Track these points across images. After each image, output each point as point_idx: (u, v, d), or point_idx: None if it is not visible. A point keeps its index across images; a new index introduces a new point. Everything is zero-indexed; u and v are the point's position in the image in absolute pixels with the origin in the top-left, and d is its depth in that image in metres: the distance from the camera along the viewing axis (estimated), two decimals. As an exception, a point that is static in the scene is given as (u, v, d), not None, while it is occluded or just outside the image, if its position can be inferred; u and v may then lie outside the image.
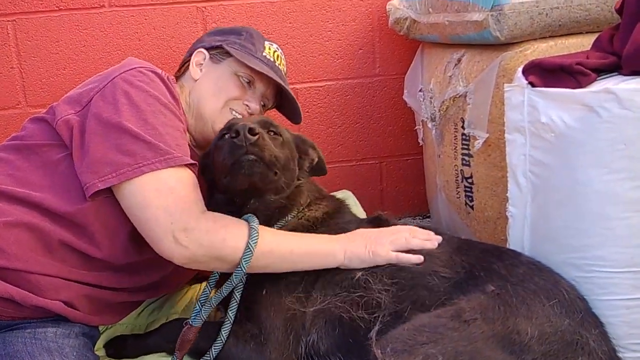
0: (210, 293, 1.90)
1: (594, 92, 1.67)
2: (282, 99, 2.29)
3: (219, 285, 1.92)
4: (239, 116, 2.14)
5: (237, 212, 1.88)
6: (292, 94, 2.23)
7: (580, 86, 1.73)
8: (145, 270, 1.91)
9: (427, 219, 3.10)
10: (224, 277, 1.89)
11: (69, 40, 2.90)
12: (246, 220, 1.85)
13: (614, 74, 1.75)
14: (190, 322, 1.84)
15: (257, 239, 1.79)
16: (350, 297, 1.80)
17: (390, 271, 1.83)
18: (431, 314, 1.64)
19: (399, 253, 1.84)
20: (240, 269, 1.78)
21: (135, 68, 1.86)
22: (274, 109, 2.38)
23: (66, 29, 2.89)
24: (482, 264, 1.77)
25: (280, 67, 2.24)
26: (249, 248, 1.77)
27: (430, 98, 2.65)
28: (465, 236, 2.46)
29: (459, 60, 2.47)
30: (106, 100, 1.79)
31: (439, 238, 1.91)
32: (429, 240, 1.90)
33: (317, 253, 1.85)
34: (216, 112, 2.11)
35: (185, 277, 2.26)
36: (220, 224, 1.77)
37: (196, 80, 2.17)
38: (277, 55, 2.24)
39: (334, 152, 3.22)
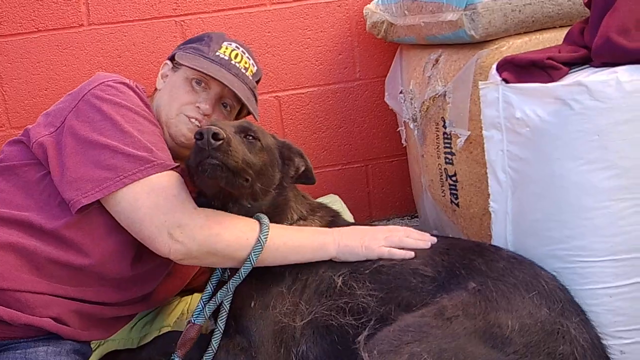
0: (212, 291, 1.91)
1: (565, 85, 1.70)
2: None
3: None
4: (194, 121, 2.12)
5: None
6: (249, 90, 2.20)
7: (553, 80, 1.75)
8: (134, 283, 1.93)
9: (415, 219, 3.12)
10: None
11: (49, 60, 2.91)
12: (257, 218, 1.89)
13: (585, 66, 1.78)
14: (193, 320, 1.86)
15: (267, 234, 1.83)
16: (337, 304, 1.82)
17: (371, 274, 1.85)
18: (415, 313, 1.66)
19: (391, 248, 1.89)
20: (249, 263, 1.82)
21: (103, 82, 1.88)
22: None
23: (46, 50, 2.90)
24: (463, 262, 1.80)
25: (239, 64, 2.19)
26: (260, 242, 1.81)
27: (411, 99, 2.67)
28: (452, 234, 2.49)
29: (437, 61, 2.49)
30: (80, 119, 1.81)
31: (434, 239, 1.94)
32: (423, 240, 1.93)
33: (309, 246, 1.89)
34: (170, 119, 2.10)
35: (175, 289, 2.27)
36: (213, 219, 1.80)
37: (159, 90, 2.19)
38: (236, 54, 2.20)
39: (320, 157, 3.23)
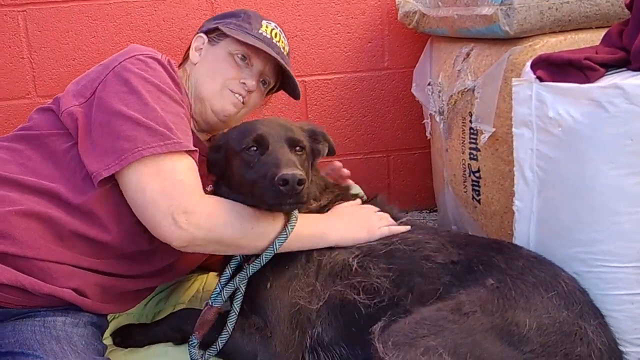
0: (231, 275, 1.91)
1: (601, 87, 1.67)
2: (283, 77, 2.28)
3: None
4: (239, 97, 2.14)
5: None
6: (289, 69, 2.22)
7: (589, 81, 1.73)
8: (154, 256, 1.92)
9: (434, 213, 3.11)
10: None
11: (78, 31, 2.92)
12: None
13: (622, 69, 1.75)
14: (211, 303, 1.87)
15: (295, 223, 1.85)
16: (351, 283, 1.83)
17: (386, 257, 1.87)
18: (432, 307, 1.66)
19: (391, 226, 1.96)
20: (271, 250, 1.83)
21: (134, 56, 1.87)
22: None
23: (76, 20, 2.91)
24: (481, 258, 1.79)
25: (279, 44, 2.22)
26: (285, 232, 1.83)
27: (439, 92, 2.65)
28: (472, 230, 2.48)
29: (468, 54, 2.47)
30: (107, 90, 1.81)
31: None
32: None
33: (309, 234, 1.89)
34: (214, 93, 2.11)
35: (194, 263, 2.28)
36: (220, 208, 1.79)
37: (195, 64, 2.18)
38: (275, 33, 2.23)
39: (342, 145, 3.22)
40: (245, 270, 1.87)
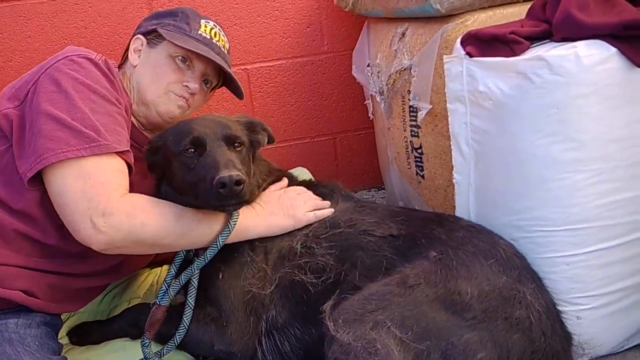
0: (175, 273, 1.94)
1: (526, 59, 1.74)
2: (225, 75, 2.28)
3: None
4: (182, 100, 2.14)
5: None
6: (229, 69, 2.23)
7: (515, 54, 1.79)
8: (101, 256, 1.90)
9: (382, 191, 3.16)
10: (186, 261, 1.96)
11: (13, 31, 2.86)
12: None
13: (546, 41, 1.82)
14: (158, 302, 1.89)
15: (237, 219, 1.87)
16: (298, 264, 1.89)
17: (326, 235, 1.93)
18: (379, 283, 1.72)
19: (316, 212, 2.00)
20: (215, 246, 1.85)
21: (67, 57, 1.85)
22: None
23: (10, 21, 2.85)
24: (423, 232, 1.86)
25: (219, 43, 2.22)
26: (228, 227, 1.85)
27: (378, 72, 2.69)
28: (417, 205, 2.54)
29: (403, 34, 2.51)
30: (38, 91, 1.79)
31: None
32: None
33: (239, 227, 1.90)
34: (157, 98, 2.11)
35: (145, 260, 2.28)
36: (139, 208, 1.77)
37: (135, 67, 2.16)
38: (215, 32, 2.22)
39: (288, 130, 3.25)
40: (190, 267, 1.90)
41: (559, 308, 1.73)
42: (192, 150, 1.86)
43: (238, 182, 1.71)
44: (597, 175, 1.73)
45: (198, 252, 1.93)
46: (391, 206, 2.18)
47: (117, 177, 1.77)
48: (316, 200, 2.07)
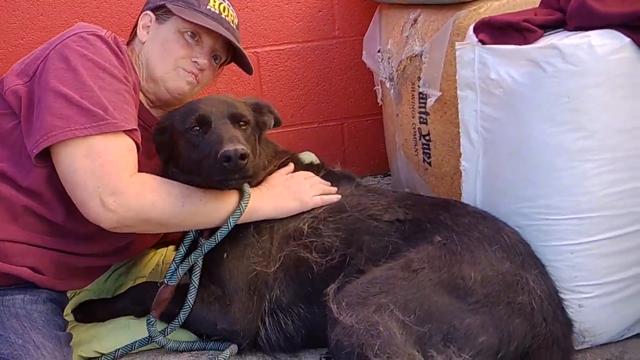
0: (184, 253, 1.95)
1: (539, 47, 1.74)
2: (235, 50, 2.26)
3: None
4: (191, 75, 2.13)
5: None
6: (239, 44, 2.21)
7: (527, 42, 1.79)
8: (108, 236, 1.91)
9: (388, 177, 3.17)
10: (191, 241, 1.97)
11: (25, 9, 2.86)
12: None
13: (559, 29, 1.82)
14: (167, 282, 1.91)
15: (248, 200, 1.90)
16: (303, 243, 1.91)
17: (334, 218, 1.94)
18: (383, 267, 1.74)
19: (323, 196, 2.01)
20: (226, 227, 1.87)
21: (77, 34, 1.85)
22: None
23: (22, -1, 2.85)
24: (429, 217, 1.87)
25: (228, 18, 2.20)
26: (240, 209, 1.87)
27: (388, 58, 2.69)
28: (423, 192, 2.54)
29: (415, 20, 2.50)
30: (47, 68, 1.79)
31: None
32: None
33: (248, 208, 1.91)
34: (166, 73, 2.10)
35: (150, 242, 2.29)
36: (149, 187, 1.78)
37: (144, 43, 2.15)
38: (224, 7, 2.20)
39: (297, 115, 3.25)
40: (200, 248, 1.92)
41: (561, 295, 1.75)
42: (198, 128, 1.87)
43: (243, 156, 1.72)
44: (606, 164, 1.73)
45: (203, 232, 1.94)
46: (398, 191, 2.19)
47: (126, 156, 1.78)
48: (323, 185, 2.08)
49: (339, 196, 2.02)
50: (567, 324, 1.71)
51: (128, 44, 2.19)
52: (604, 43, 1.68)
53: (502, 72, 1.81)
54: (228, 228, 1.88)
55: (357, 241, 1.87)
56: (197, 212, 1.85)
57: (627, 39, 1.69)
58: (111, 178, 1.71)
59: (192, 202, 1.83)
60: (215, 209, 1.88)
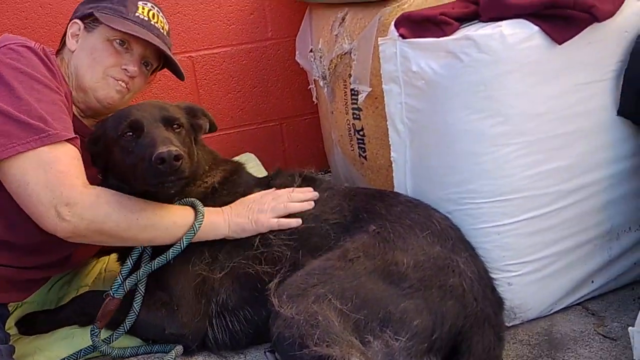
0: (132, 266, 1.94)
1: (455, 39, 1.82)
2: (166, 57, 2.25)
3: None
4: (122, 84, 2.13)
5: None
6: (169, 51, 2.22)
7: (445, 35, 1.86)
8: (48, 249, 1.92)
9: (328, 174, 3.22)
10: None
11: (-49, 23, 2.82)
12: (191, 204, 1.94)
13: (474, 21, 1.89)
14: (112, 294, 1.89)
15: (202, 220, 1.89)
16: (253, 254, 1.92)
17: (288, 231, 1.95)
18: (321, 258, 1.78)
19: (280, 219, 1.97)
20: (179, 246, 1.87)
21: (5, 45, 1.83)
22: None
23: (-53, 12, 2.80)
24: (365, 207, 1.93)
25: (158, 24, 2.20)
26: (193, 229, 1.87)
27: (320, 57, 2.74)
28: (361, 186, 2.60)
29: (343, 19, 2.56)
30: None
31: (316, 194, 2.04)
32: (307, 200, 2.03)
33: (203, 228, 1.91)
34: (96, 82, 2.09)
35: (92, 251, 2.29)
36: (104, 199, 1.79)
37: (73, 52, 2.13)
38: (153, 14, 2.19)
39: (235, 117, 3.27)
40: (150, 264, 1.92)
41: (492, 275, 1.83)
42: (131, 133, 1.88)
43: (177, 157, 1.73)
44: (523, 148, 1.82)
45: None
46: (348, 186, 2.22)
47: (75, 166, 1.78)
48: (290, 205, 2.01)
49: (299, 221, 1.96)
50: (498, 302, 1.78)
51: (57, 53, 2.16)
52: (515, 32, 1.76)
53: (423, 64, 1.88)
54: (180, 248, 1.88)
55: (307, 246, 1.90)
56: (152, 226, 1.85)
57: (536, 28, 1.77)
58: (65, 188, 1.71)
59: (146, 215, 1.84)
60: (172, 223, 1.88)
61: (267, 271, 1.88)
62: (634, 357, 1.60)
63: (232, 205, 2.02)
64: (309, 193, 2.05)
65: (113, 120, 1.95)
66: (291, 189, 2.07)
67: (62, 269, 2.13)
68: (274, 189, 2.09)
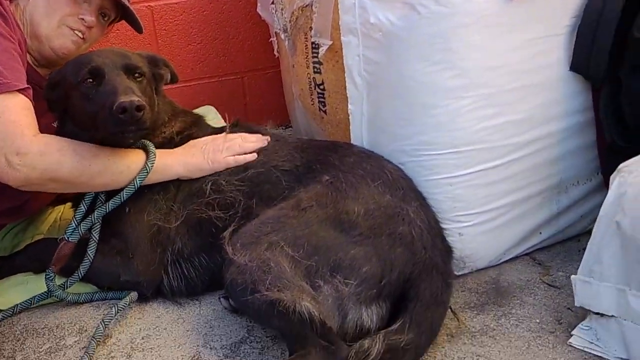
0: (86, 210, 1.94)
1: (413, -10, 1.82)
2: (124, 8, 2.23)
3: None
4: (78, 33, 2.10)
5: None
6: (127, 2, 2.19)
7: (403, -14, 1.86)
8: (1, 197, 1.91)
9: (290, 129, 3.22)
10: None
11: None
12: (143, 144, 1.94)
13: (434, -26, 1.89)
14: (67, 238, 1.90)
15: (154, 160, 1.89)
16: (206, 201, 1.94)
17: (237, 172, 1.98)
18: (276, 207, 1.81)
19: (237, 156, 2.00)
20: (132, 186, 1.88)
21: None
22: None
23: None
24: (318, 158, 1.96)
25: None
26: (146, 169, 1.87)
27: (281, 9, 2.70)
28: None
29: (305, -29, 2.53)
30: None
31: (268, 138, 2.09)
32: (259, 141, 2.07)
33: (157, 167, 1.92)
34: (51, 31, 2.06)
35: (46, 200, 2.27)
36: (55, 147, 1.78)
37: (31, 0, 2.09)
38: None
39: (196, 69, 3.23)
40: (104, 206, 1.91)
41: (442, 225, 1.87)
42: (91, 80, 1.85)
43: (139, 108, 1.73)
44: (479, 100, 1.84)
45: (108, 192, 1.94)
46: (301, 139, 2.24)
47: (26, 116, 1.76)
48: (244, 144, 2.06)
49: (255, 155, 2.02)
50: (447, 251, 1.83)
51: (12, 0, 2.12)
52: (472, -16, 1.77)
53: (381, 16, 1.88)
54: (134, 187, 1.88)
55: (259, 192, 1.93)
56: (105, 171, 1.85)
57: (494, -19, 1.78)
58: (15, 138, 1.70)
59: (99, 161, 1.83)
60: (124, 167, 1.88)
61: (220, 216, 1.90)
62: (575, 304, 1.67)
63: (183, 146, 2.03)
64: (260, 137, 2.08)
65: (73, 65, 1.92)
66: (242, 133, 2.10)
67: (16, 217, 2.12)
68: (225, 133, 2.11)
